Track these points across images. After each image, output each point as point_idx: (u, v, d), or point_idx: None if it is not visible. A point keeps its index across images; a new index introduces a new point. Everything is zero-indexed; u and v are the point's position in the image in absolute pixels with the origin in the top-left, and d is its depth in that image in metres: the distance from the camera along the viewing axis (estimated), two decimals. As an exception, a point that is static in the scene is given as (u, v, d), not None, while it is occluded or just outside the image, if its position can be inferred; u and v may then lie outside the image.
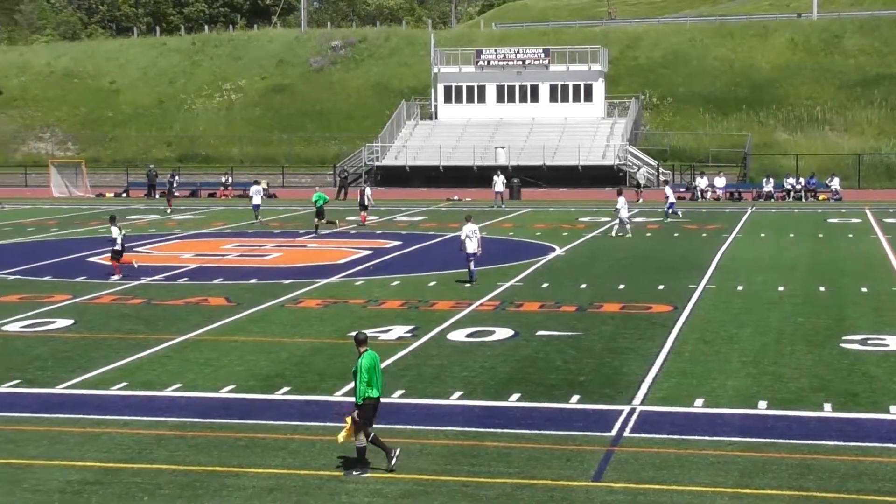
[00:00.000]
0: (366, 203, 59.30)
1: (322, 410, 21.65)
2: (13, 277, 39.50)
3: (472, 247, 37.15)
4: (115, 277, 38.90)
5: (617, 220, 52.15)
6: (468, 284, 36.93)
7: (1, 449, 19.29)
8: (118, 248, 39.36)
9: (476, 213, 54.99)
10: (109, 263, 39.69)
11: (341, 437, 18.03)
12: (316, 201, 53.89)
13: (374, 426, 18.16)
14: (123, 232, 40.45)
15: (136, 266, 39.61)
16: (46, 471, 18.13)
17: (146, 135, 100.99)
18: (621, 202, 51.72)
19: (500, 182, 70.05)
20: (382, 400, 18.26)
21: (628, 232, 51.40)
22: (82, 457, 18.83)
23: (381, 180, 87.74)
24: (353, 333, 18.75)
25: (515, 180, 77.14)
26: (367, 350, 18.15)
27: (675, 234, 52.25)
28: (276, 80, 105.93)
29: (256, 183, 64.84)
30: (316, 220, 53.80)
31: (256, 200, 60.92)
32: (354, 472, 17.93)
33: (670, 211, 59.67)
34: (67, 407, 22.05)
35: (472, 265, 37.32)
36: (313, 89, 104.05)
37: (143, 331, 29.67)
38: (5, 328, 30.11)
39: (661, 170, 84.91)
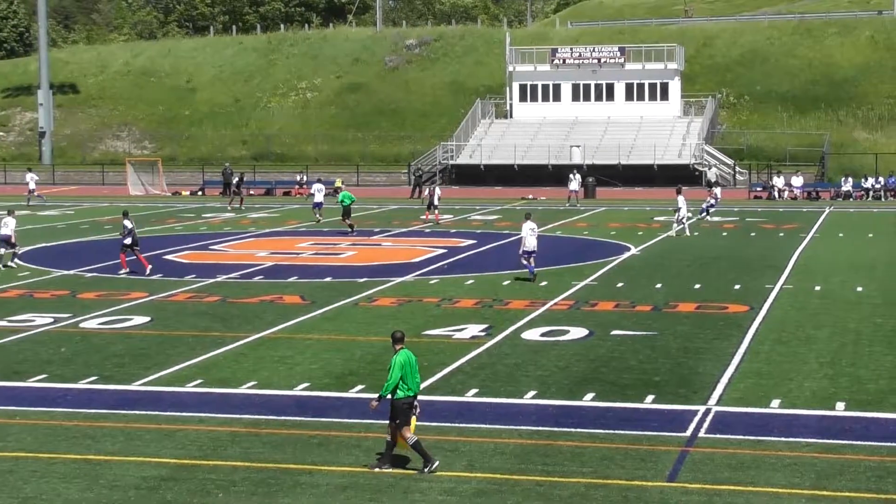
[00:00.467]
0: (434, 203, 59.34)
1: (396, 409, 21.64)
2: (91, 275, 39.89)
3: (531, 244, 37.34)
4: (123, 272, 39.44)
5: (676, 220, 51.68)
6: (528, 281, 36.97)
7: (79, 444, 19.46)
8: (128, 241, 39.74)
9: (552, 213, 54.86)
10: (181, 260, 39.98)
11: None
12: (342, 200, 53.81)
13: (418, 424, 18.07)
14: (134, 227, 40.62)
15: (147, 271, 39.52)
16: (123, 466, 18.27)
17: (222, 133, 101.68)
18: (681, 201, 51.38)
19: (575, 181, 69.82)
20: (450, 399, 18.23)
21: (685, 231, 51.06)
22: (158, 453, 18.95)
23: (455, 179, 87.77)
24: (394, 331, 18.67)
25: (590, 179, 76.85)
26: (402, 348, 18.13)
27: (752, 234, 51.82)
28: (351, 79, 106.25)
29: (319, 181, 65.27)
30: (344, 219, 53.36)
31: (318, 198, 61.30)
32: (371, 465, 18.06)
33: (709, 209, 58.94)
34: (144, 403, 22.21)
35: (531, 262, 37.42)
36: (388, 88, 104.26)
37: (219, 328, 29.84)
38: (83, 325, 30.40)
39: (737, 169, 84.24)
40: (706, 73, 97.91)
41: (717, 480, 17.39)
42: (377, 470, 17.93)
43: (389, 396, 17.87)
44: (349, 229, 53.14)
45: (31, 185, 73.76)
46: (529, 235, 37.38)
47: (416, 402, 18.04)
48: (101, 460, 18.58)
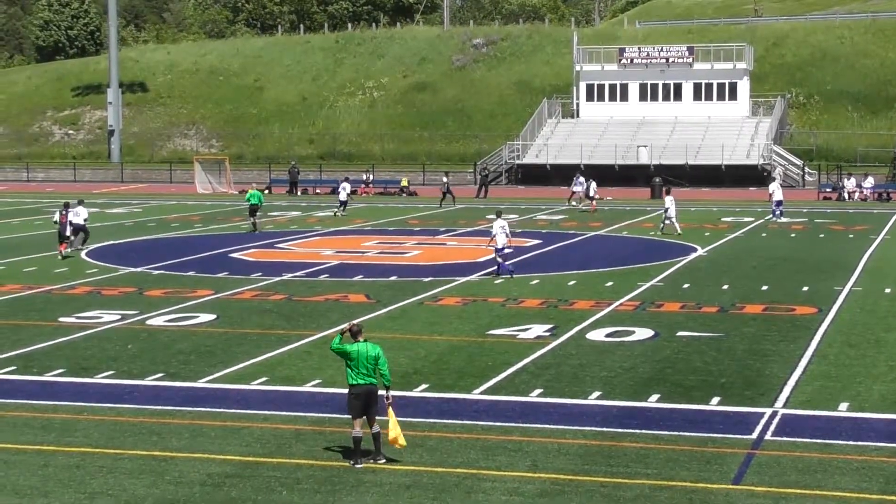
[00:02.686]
0: (591, 194, 60.82)
1: (460, 408, 21.64)
2: (157, 273, 40.18)
3: (501, 241, 38.00)
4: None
5: (665, 219, 51.63)
6: (504, 278, 37.65)
7: (145, 441, 19.58)
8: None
9: (618, 213, 54.60)
10: (247, 258, 40.17)
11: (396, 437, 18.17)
12: (249, 199, 53.85)
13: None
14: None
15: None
16: (188, 463, 18.36)
17: (289, 132, 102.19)
18: (669, 201, 51.53)
19: (578, 183, 69.39)
20: (514, 399, 18.14)
21: (671, 229, 51.01)
22: (223, 450, 19.03)
23: (521, 178, 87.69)
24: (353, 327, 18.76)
25: (657, 179, 76.50)
26: (360, 341, 18.29)
27: (821, 235, 51.35)
28: (418, 78, 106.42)
29: (346, 180, 66.69)
30: (252, 218, 53.41)
31: (343, 196, 63.40)
32: (351, 463, 18.13)
33: (778, 211, 58.53)
34: (209, 400, 22.32)
35: (502, 258, 38.18)
36: (455, 87, 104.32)
37: (284, 326, 29.94)
38: (150, 322, 30.61)
39: (806, 169, 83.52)
40: (775, 73, 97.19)
41: (784, 484, 17.22)
42: (358, 466, 18.03)
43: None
44: (254, 228, 53.24)
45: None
46: (500, 233, 37.98)
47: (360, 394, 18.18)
48: (166, 457, 18.69)
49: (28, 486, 17.24)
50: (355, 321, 19.22)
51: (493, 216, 40.67)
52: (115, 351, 26.91)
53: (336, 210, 63.66)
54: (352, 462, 18.13)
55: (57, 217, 44.73)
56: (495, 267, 38.82)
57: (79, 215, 45.82)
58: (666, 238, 50.01)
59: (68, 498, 16.78)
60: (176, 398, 22.50)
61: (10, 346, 27.33)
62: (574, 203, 68.17)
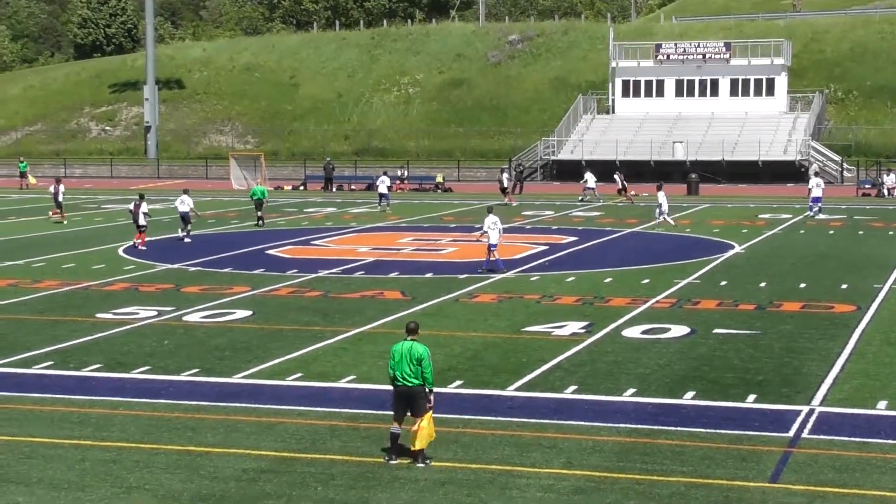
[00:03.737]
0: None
1: (495, 405, 21.60)
2: (194, 269, 40.30)
3: (494, 238, 38.38)
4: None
5: (659, 215, 51.91)
6: (497, 275, 37.94)
7: (180, 436, 19.64)
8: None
9: (654, 210, 54.41)
10: (283, 255, 40.25)
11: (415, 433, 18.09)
12: (252, 194, 55.08)
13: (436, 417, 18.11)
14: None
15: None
16: (223, 458, 18.40)
17: (324, 128, 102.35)
18: (661, 196, 51.82)
19: (591, 178, 69.51)
20: (549, 395, 18.10)
21: (667, 225, 51.54)
22: (258, 445, 19.06)
23: (556, 175, 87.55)
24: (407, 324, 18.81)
25: (693, 176, 76.24)
26: (407, 338, 18.23)
27: (860, 232, 51.03)
28: (453, 75, 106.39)
29: (385, 174, 67.25)
30: (258, 212, 54.86)
31: (382, 189, 63.95)
32: (385, 459, 18.12)
33: (817, 207, 58.28)
34: (244, 396, 22.36)
35: (495, 255, 38.55)
36: (490, 83, 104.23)
37: (320, 323, 29.97)
38: (186, 318, 30.70)
39: (845, 165, 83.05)
40: (814, 69, 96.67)
41: (822, 482, 17.11)
42: (392, 462, 18.00)
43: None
44: (261, 223, 54.58)
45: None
46: (491, 229, 38.34)
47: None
48: (202, 452, 18.74)
49: (65, 481, 17.32)
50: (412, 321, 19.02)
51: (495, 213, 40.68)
52: (152, 347, 27.01)
53: (380, 206, 63.47)
54: (386, 458, 18.12)
55: (132, 207, 46.70)
56: (485, 262, 39.01)
57: (184, 203, 48.32)
58: (702, 235, 49.81)
59: (105, 492, 16.84)
60: (211, 394, 22.56)
61: (47, 342, 27.48)
62: (587, 198, 68.37)
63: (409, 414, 18.05)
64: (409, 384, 17.96)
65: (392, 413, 18.32)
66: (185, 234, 48.47)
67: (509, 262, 41.17)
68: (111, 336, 28.32)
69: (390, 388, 22.04)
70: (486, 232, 38.76)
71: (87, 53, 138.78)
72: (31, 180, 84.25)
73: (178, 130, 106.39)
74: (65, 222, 56.69)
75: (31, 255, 43.54)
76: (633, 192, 68.27)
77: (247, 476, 17.58)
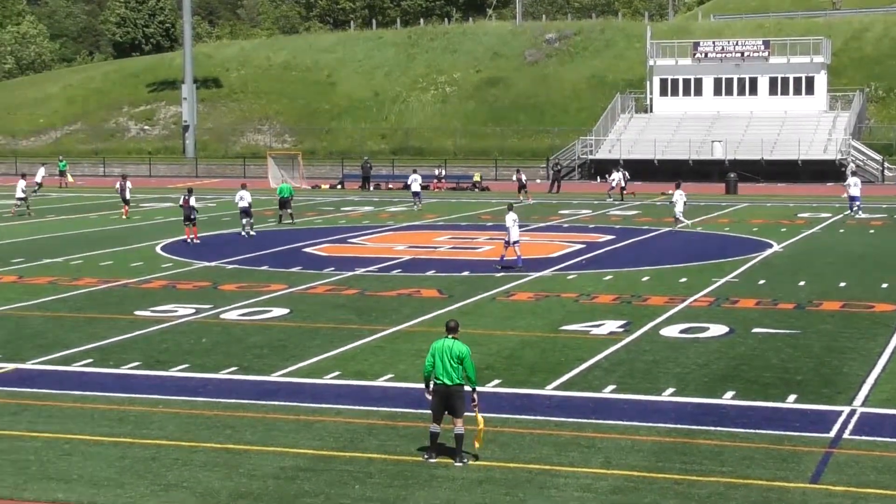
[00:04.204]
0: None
1: (532, 404, 21.55)
2: (231, 267, 40.40)
3: (515, 234, 38.67)
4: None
5: (676, 214, 51.75)
6: (504, 270, 38.42)
7: (219, 434, 19.67)
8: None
9: (692, 209, 54.16)
10: (320, 253, 40.31)
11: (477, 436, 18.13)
12: (280, 192, 55.84)
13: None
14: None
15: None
16: (262, 456, 18.42)
17: (361, 127, 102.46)
18: (677, 195, 51.61)
19: (618, 175, 69.66)
20: (587, 394, 18.01)
21: (683, 226, 51.37)
22: (296, 444, 19.07)
23: (593, 174, 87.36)
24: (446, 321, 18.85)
25: (732, 175, 75.95)
26: (447, 337, 18.11)
27: (899, 231, 50.73)
28: (490, 73, 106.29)
29: (415, 172, 67.96)
30: (280, 211, 55.66)
31: (415, 188, 64.70)
32: (424, 457, 18.12)
33: (856, 206, 57.96)
34: (282, 394, 22.39)
35: (517, 250, 38.79)
36: (527, 82, 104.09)
37: (357, 321, 29.98)
38: (224, 316, 30.77)
39: (885, 165, 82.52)
40: (854, 67, 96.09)
41: (863, 483, 16.98)
42: (462, 463, 17.93)
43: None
44: (291, 220, 55.29)
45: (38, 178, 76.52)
46: (513, 226, 38.60)
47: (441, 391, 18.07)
48: (240, 450, 18.76)
49: (105, 478, 17.38)
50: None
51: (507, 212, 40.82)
52: (190, 345, 27.09)
53: (414, 204, 63.74)
54: (425, 456, 18.10)
55: (181, 201, 47.89)
56: (500, 259, 39.35)
57: (243, 199, 49.25)
58: (740, 234, 49.60)
59: (144, 489, 16.89)
60: (249, 392, 22.59)
61: (86, 339, 27.60)
62: (615, 197, 68.44)
63: (446, 413, 18.02)
64: (449, 383, 17.91)
65: (430, 413, 18.28)
66: (249, 228, 49.55)
67: (546, 261, 41.12)
68: (149, 334, 28.42)
69: (424, 386, 22.02)
70: (509, 229, 38.85)
71: (125, 52, 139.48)
72: (70, 179, 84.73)
73: (215, 129, 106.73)
74: (125, 217, 58.01)
75: (69, 253, 43.77)
76: (630, 192, 68.92)
77: (285, 474, 17.59)
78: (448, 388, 17.92)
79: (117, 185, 61.01)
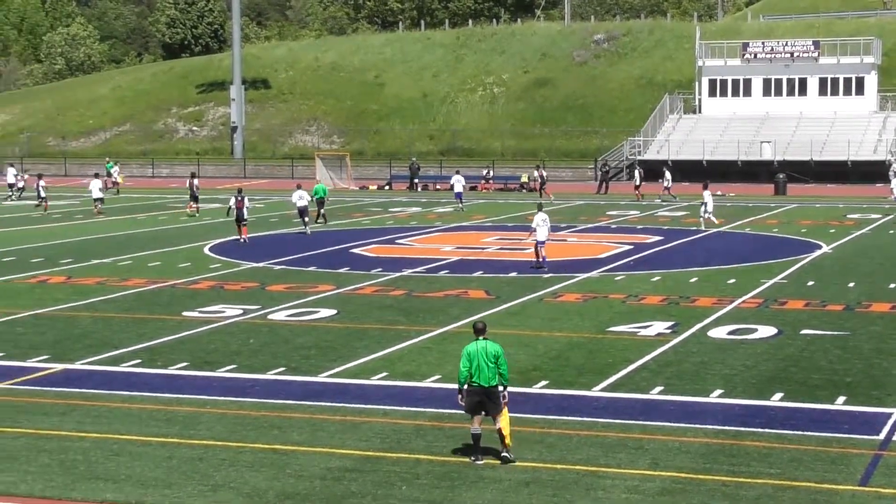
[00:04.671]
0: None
1: (579, 405, 21.50)
2: (279, 267, 40.53)
3: (542, 234, 38.80)
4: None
5: (704, 213, 52.22)
6: (540, 269, 38.53)
7: (266, 434, 19.73)
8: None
9: (740, 210, 53.89)
10: (368, 254, 40.38)
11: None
12: (315, 193, 56.39)
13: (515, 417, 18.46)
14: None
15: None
16: (308, 457, 18.46)
17: (409, 128, 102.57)
18: (707, 195, 52.17)
19: (667, 178, 69.51)
20: (634, 396, 17.96)
21: (710, 223, 51.87)
22: (343, 444, 19.11)
23: (642, 174, 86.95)
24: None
25: (781, 176, 75.53)
26: (479, 339, 18.21)
27: (950, 232, 50.28)
28: (538, 74, 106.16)
29: (458, 173, 68.43)
30: (319, 209, 56.32)
31: (458, 188, 65.10)
32: (471, 459, 18.08)
33: None
34: (329, 395, 22.43)
35: (542, 251, 38.98)
36: (576, 83, 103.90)
37: (404, 322, 30.00)
38: (272, 316, 30.87)
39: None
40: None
41: (912, 486, 16.85)
42: (478, 462, 18.00)
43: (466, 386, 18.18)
44: (323, 220, 55.91)
45: (11, 179, 76.74)
46: (542, 226, 38.84)
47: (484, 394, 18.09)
48: (287, 450, 18.81)
49: (153, 478, 17.47)
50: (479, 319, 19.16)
51: (535, 210, 40.97)
52: (237, 345, 27.19)
53: (459, 206, 63.77)
54: (472, 458, 18.09)
55: (232, 203, 48.73)
56: (536, 259, 39.37)
57: (303, 198, 51.03)
58: (789, 235, 49.32)
59: (191, 490, 16.97)
60: (297, 393, 22.65)
61: (135, 340, 27.76)
62: (665, 198, 68.35)
63: (483, 414, 18.03)
64: (486, 385, 17.98)
65: (469, 414, 18.29)
66: (307, 226, 50.85)
67: (594, 262, 41.03)
68: (197, 334, 28.55)
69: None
70: (535, 230, 39.11)
71: (174, 53, 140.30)
72: (120, 179, 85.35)
73: (264, 130, 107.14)
74: (196, 214, 60.29)
75: (118, 254, 44.04)
76: (641, 194, 69.16)
77: (332, 475, 17.63)
78: (486, 389, 18.00)
79: (188, 183, 63.51)
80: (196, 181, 61.67)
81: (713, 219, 51.86)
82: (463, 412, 18.64)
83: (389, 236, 50.13)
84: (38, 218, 60.22)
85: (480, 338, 18.21)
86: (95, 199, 62.49)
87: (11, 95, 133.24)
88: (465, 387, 18.12)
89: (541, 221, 38.82)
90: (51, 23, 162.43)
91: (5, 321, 30.41)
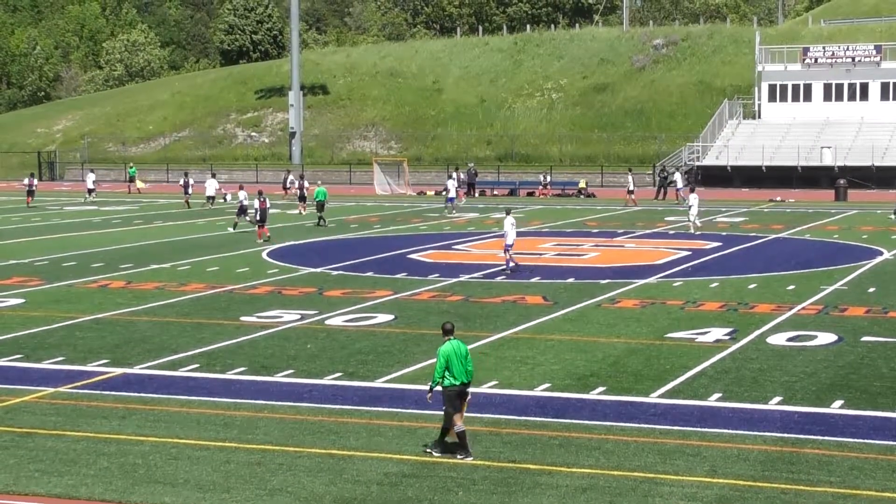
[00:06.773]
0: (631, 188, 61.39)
1: (637, 411, 21.39)
2: (337, 273, 40.63)
3: (510, 238, 39.63)
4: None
5: (690, 217, 52.90)
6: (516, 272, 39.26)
7: (324, 439, 19.77)
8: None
9: (800, 216, 53.50)
10: (425, 259, 40.40)
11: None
12: (316, 196, 58.54)
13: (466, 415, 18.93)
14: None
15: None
16: (366, 462, 18.48)
17: (467, 134, 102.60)
18: (692, 199, 53.11)
19: (680, 181, 69.70)
20: (692, 403, 17.84)
21: (696, 229, 52.48)
22: (400, 449, 19.11)
23: (701, 180, 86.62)
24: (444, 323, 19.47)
25: (842, 181, 74.93)
26: (449, 339, 18.71)
27: None
28: (597, 79, 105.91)
29: (451, 178, 70.45)
30: (319, 212, 58.18)
31: (452, 194, 67.42)
32: (458, 457, 18.45)
33: None
34: (387, 400, 22.44)
35: (510, 254, 39.76)
36: (635, 88, 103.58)
37: (461, 327, 29.84)
38: (329, 322, 30.93)
39: None
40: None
41: (975, 495, 16.64)
42: (434, 455, 18.57)
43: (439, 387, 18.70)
44: (324, 224, 57.52)
45: (90, 185, 78.57)
46: (510, 230, 39.48)
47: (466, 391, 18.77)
48: (344, 455, 18.84)
49: (210, 482, 17.55)
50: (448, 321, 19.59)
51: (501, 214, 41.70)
52: (295, 350, 27.27)
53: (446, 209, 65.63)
54: (461, 456, 18.48)
55: (256, 204, 50.79)
56: (506, 265, 40.03)
57: (245, 199, 53.96)
58: (849, 241, 48.90)
59: (249, 494, 17.02)
60: (354, 397, 22.68)
61: (193, 345, 27.90)
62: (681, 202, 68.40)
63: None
64: (466, 381, 18.71)
65: (455, 413, 18.64)
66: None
67: (651, 268, 40.85)
68: (255, 339, 28.66)
69: (529, 393, 22.02)
70: (506, 233, 39.78)
71: (233, 59, 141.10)
72: (141, 185, 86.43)
73: (322, 136, 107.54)
74: (304, 213, 63.82)
75: (176, 259, 44.31)
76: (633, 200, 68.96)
77: (389, 480, 17.63)
78: (465, 386, 18.73)
79: (297, 184, 67.93)
80: (306, 182, 66.52)
81: (697, 222, 52.86)
82: (519, 417, 18.56)
83: (446, 242, 50.14)
84: (99, 223, 60.69)
85: (450, 338, 18.76)
86: (208, 197, 68.56)
87: (73, 102, 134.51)
88: (448, 389, 18.57)
89: (509, 226, 39.58)
90: (111, 29, 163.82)
91: (66, 325, 30.66)
